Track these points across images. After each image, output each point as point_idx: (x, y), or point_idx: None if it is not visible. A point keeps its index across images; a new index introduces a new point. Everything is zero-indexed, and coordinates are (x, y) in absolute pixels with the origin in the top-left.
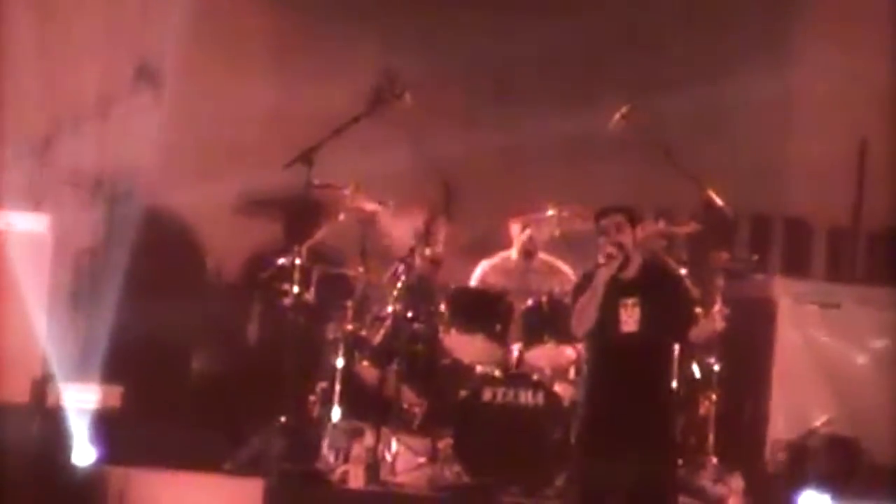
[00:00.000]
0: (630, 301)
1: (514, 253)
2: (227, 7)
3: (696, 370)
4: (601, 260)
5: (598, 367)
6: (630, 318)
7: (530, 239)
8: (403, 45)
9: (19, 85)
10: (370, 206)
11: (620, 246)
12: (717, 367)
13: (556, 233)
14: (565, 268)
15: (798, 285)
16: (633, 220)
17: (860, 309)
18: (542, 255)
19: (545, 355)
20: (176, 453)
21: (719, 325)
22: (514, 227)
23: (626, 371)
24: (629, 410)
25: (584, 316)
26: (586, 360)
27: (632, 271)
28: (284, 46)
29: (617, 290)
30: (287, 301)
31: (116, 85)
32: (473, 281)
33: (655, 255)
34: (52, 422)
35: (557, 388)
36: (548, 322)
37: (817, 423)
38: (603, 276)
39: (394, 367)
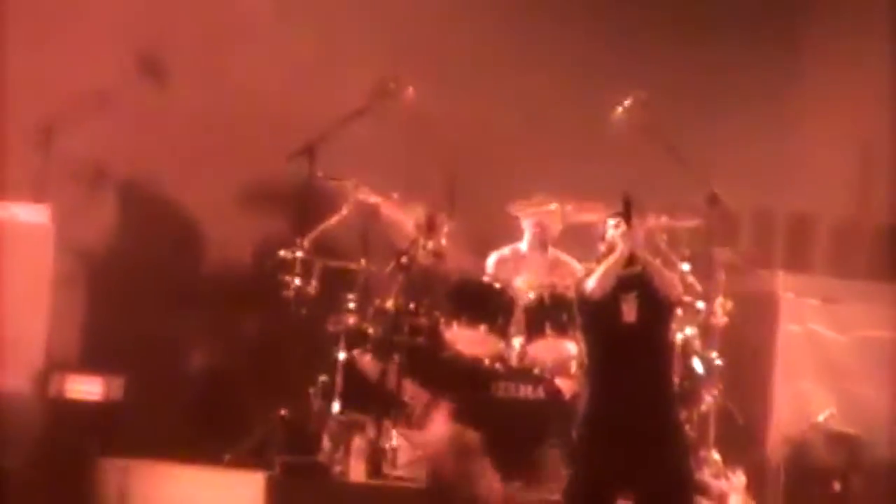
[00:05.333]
0: (630, 296)
1: (524, 245)
2: None
3: (698, 365)
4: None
5: (602, 358)
6: (630, 310)
7: (543, 231)
8: (409, 39)
9: (21, 74)
10: (373, 199)
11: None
12: (718, 362)
13: (560, 226)
14: (573, 262)
15: (800, 280)
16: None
17: (862, 304)
18: (552, 250)
19: (547, 349)
20: (177, 445)
21: (721, 319)
22: (526, 221)
23: (629, 361)
24: (633, 402)
25: (611, 274)
26: (588, 353)
27: (633, 267)
28: (289, 37)
29: (617, 284)
30: (289, 293)
31: (119, 74)
32: (488, 271)
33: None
34: (53, 413)
35: (559, 382)
36: (550, 316)
37: (819, 419)
38: (626, 248)
39: (395, 360)
